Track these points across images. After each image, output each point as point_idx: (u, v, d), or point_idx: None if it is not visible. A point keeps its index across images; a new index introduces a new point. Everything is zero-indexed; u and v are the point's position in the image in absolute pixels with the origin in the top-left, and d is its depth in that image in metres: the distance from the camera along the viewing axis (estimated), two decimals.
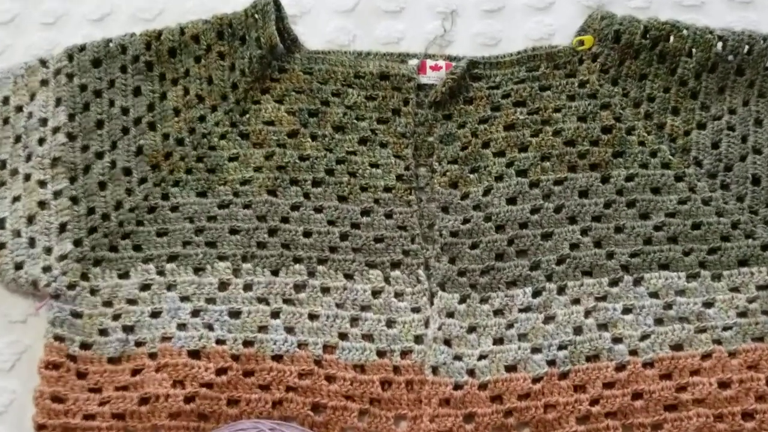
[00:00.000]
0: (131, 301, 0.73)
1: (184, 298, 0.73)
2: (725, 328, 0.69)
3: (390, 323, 0.72)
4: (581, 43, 0.79)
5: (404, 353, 0.71)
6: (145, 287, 0.74)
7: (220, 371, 0.70)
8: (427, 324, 0.72)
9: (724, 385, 0.67)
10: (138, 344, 0.71)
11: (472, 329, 0.71)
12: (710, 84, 0.76)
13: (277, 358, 0.71)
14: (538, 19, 0.86)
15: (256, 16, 0.78)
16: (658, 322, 0.70)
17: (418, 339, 0.71)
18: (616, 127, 0.76)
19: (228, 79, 0.79)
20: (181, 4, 0.88)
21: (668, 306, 0.71)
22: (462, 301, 0.72)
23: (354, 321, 0.72)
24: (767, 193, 0.74)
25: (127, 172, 0.77)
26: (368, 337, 0.72)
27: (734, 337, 0.69)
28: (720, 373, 0.67)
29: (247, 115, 0.79)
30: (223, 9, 0.82)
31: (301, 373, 0.70)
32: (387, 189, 0.76)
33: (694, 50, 0.76)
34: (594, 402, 0.67)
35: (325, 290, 0.73)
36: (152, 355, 0.71)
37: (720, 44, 0.75)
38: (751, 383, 0.67)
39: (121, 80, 0.79)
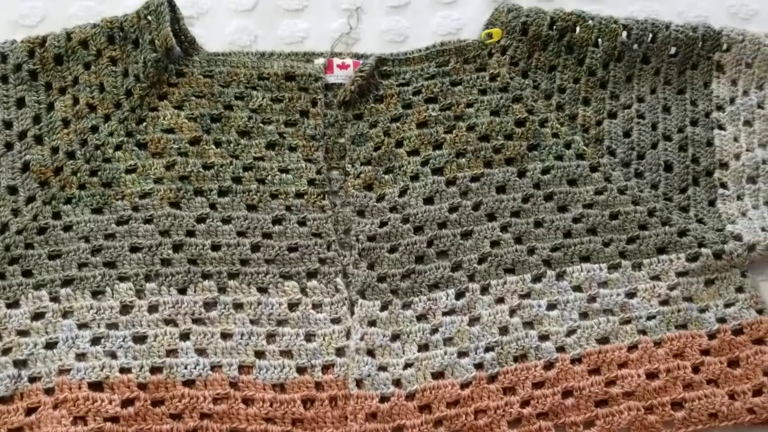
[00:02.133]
0: (22, 333, 0.67)
1: (82, 325, 0.67)
2: (649, 318, 0.69)
3: (309, 337, 0.68)
4: (489, 36, 0.77)
5: (326, 367, 0.67)
6: (37, 316, 0.67)
7: (126, 402, 0.64)
8: (348, 335, 0.68)
9: (652, 375, 0.67)
10: (32, 380, 0.65)
11: (395, 337, 0.68)
12: (618, 73, 0.76)
13: (189, 383, 0.65)
14: (445, 13, 0.84)
15: (150, 17, 0.73)
16: (583, 315, 0.69)
17: (340, 351, 0.68)
18: (529, 119, 0.75)
19: (121, 85, 0.73)
20: (64, 8, 0.82)
21: (592, 299, 0.69)
22: (384, 308, 0.69)
23: (271, 337, 0.68)
24: (680, 179, 0.74)
25: (13, 191, 0.70)
26: (287, 353, 0.67)
27: (658, 326, 0.68)
28: (647, 363, 0.67)
29: (144, 123, 0.73)
30: (110, 12, 0.76)
31: (216, 398, 0.65)
32: (299, 195, 0.72)
33: (600, 40, 0.75)
34: (525, 403, 0.66)
35: (238, 306, 0.69)
36: (48, 391, 0.64)
37: (625, 33, 0.75)
38: (678, 372, 0.66)
39: (1, 91, 0.72)
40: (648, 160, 0.74)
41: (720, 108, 0.77)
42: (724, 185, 0.74)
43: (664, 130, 0.76)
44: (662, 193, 0.73)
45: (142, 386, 0.65)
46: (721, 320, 0.69)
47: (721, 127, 0.76)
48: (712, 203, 0.73)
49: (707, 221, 0.72)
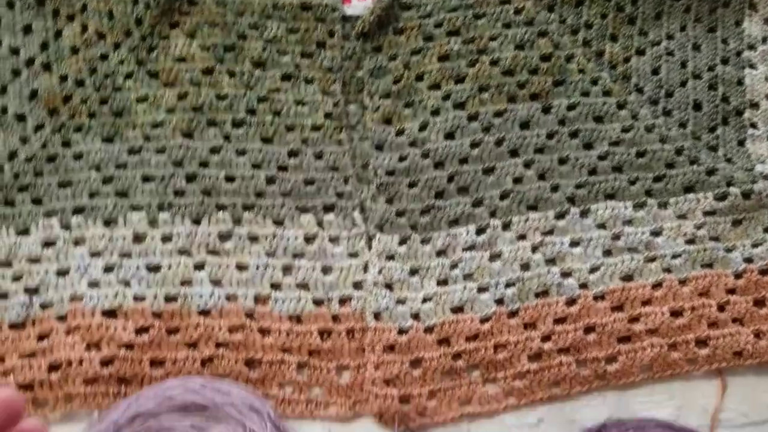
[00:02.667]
0: (33, 260, 0.65)
1: (95, 254, 0.65)
2: (674, 256, 0.67)
3: (326, 270, 0.66)
4: None
5: (343, 301, 0.66)
6: (48, 244, 0.66)
7: (141, 330, 0.63)
8: (365, 269, 0.66)
9: (676, 313, 0.65)
10: (44, 307, 0.64)
11: (414, 272, 0.67)
12: (647, 9, 0.74)
13: (204, 313, 0.64)
14: None
15: None
16: (607, 253, 0.67)
17: (357, 285, 0.66)
18: (555, 54, 0.72)
19: (131, 13, 0.71)
20: None
21: (616, 237, 0.68)
22: (402, 242, 0.67)
23: (287, 270, 0.66)
24: (709, 118, 0.72)
25: (21, 118, 0.68)
26: (303, 285, 0.66)
27: (684, 265, 0.67)
28: (672, 301, 0.65)
29: (155, 52, 0.71)
30: None
31: (232, 328, 0.64)
32: (315, 128, 0.70)
33: None
34: (545, 338, 0.64)
35: (254, 239, 0.67)
36: (61, 318, 0.63)
37: None
38: (703, 310, 0.65)
39: (8, 17, 0.70)
40: (676, 98, 0.72)
41: (752, 47, 0.74)
42: (754, 125, 0.72)
43: (694, 69, 0.73)
44: (690, 132, 0.71)
45: (157, 315, 0.64)
46: (748, 260, 0.67)
47: (752, 66, 0.74)
48: (741, 143, 0.71)
49: (736, 161, 0.70)
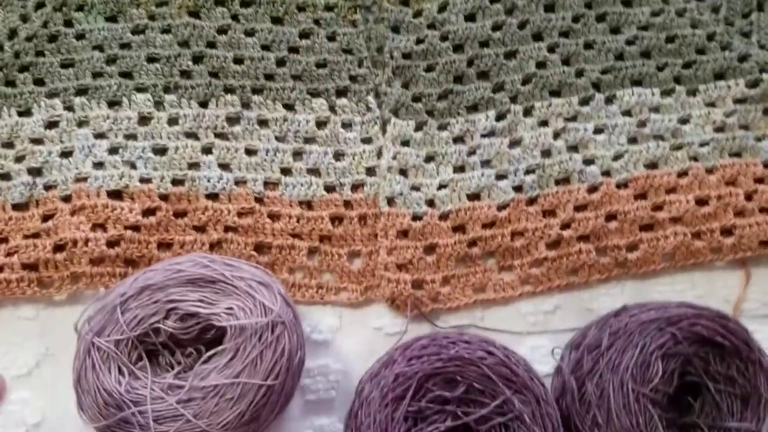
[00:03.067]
0: (36, 141, 0.63)
1: (99, 135, 0.63)
2: (702, 144, 0.64)
3: (338, 155, 0.64)
4: None
5: (355, 187, 0.63)
6: (51, 125, 0.63)
7: (148, 212, 0.61)
8: (379, 154, 0.64)
9: (701, 202, 0.63)
10: (47, 187, 0.62)
11: (429, 158, 0.64)
12: None
13: (213, 196, 0.62)
14: None
15: None
16: (632, 140, 0.65)
17: (371, 171, 0.64)
18: None
19: None
20: None
21: (642, 124, 0.65)
22: (418, 128, 0.65)
23: (297, 155, 0.64)
24: (743, 3, 0.68)
25: None
26: (314, 171, 0.64)
27: (711, 153, 0.64)
28: (697, 190, 0.63)
29: None
30: None
31: (241, 212, 0.62)
32: (328, 8, 0.67)
33: None
34: (565, 226, 0.62)
35: (263, 122, 0.65)
36: (66, 198, 0.61)
37: None
38: (729, 199, 0.62)
39: None
40: None
41: None
42: None
43: None
44: (723, 17, 0.67)
45: (164, 197, 0.62)
46: None
47: None
48: None
49: None
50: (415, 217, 0.62)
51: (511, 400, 0.50)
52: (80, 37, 0.65)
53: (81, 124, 0.64)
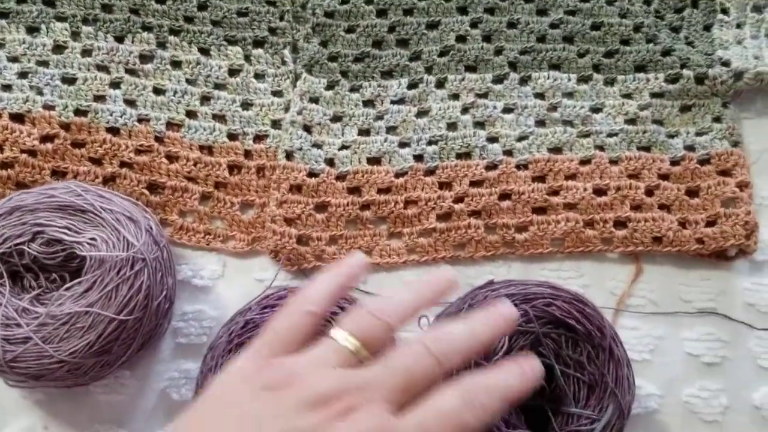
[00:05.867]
0: None
1: (13, 59, 0.64)
2: (610, 135, 0.63)
3: (246, 105, 0.64)
4: None
5: (258, 138, 0.63)
6: None
7: (46, 138, 0.61)
8: (287, 109, 0.64)
9: (600, 192, 0.62)
10: None
11: (337, 118, 0.64)
12: None
13: (114, 131, 0.62)
14: None
15: None
16: (540, 123, 0.64)
17: (276, 124, 0.64)
18: None
19: None
20: None
21: (553, 108, 0.64)
22: (330, 87, 0.64)
23: (205, 99, 0.64)
24: None
25: None
26: (220, 117, 0.64)
27: (619, 144, 0.63)
28: (597, 179, 0.62)
29: None
30: None
31: (139, 149, 0.62)
32: None
33: None
34: (458, 200, 0.62)
35: (176, 64, 0.65)
36: None
37: None
38: (628, 191, 0.61)
39: None
40: None
41: None
42: (725, 11, 0.66)
43: None
44: (654, 10, 0.66)
45: (65, 126, 0.62)
46: (689, 148, 0.63)
47: None
48: (707, 28, 0.66)
49: (697, 44, 0.65)
50: (311, 174, 0.62)
51: None
52: None
53: None
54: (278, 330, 0.38)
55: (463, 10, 0.66)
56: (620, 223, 0.61)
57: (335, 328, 0.38)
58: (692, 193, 0.62)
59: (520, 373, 0.37)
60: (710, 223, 0.61)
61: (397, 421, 0.34)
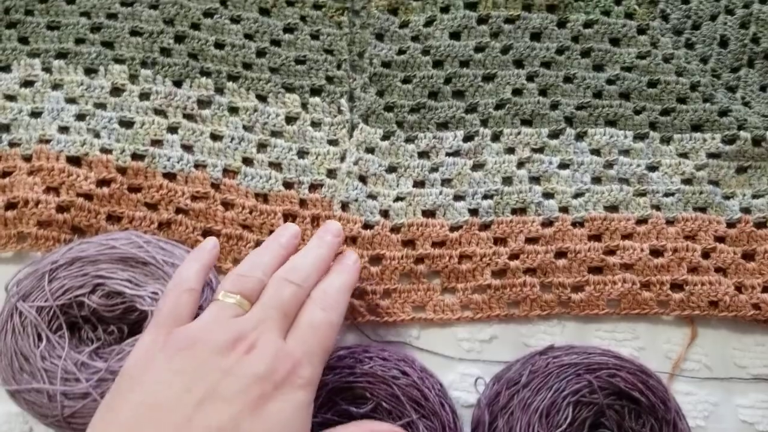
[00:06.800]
0: (9, 97, 0.64)
1: (70, 100, 0.64)
2: (667, 194, 0.63)
3: (302, 153, 0.64)
4: None
5: (314, 186, 0.63)
6: (27, 83, 0.64)
7: (102, 182, 0.61)
8: (343, 159, 0.64)
9: (656, 252, 0.62)
10: (12, 144, 0.63)
11: (392, 169, 0.64)
12: None
13: (170, 176, 0.62)
14: None
15: None
16: (596, 180, 0.64)
17: (332, 173, 0.64)
18: None
19: None
20: None
21: (609, 165, 0.64)
22: (385, 137, 0.64)
23: (262, 146, 0.64)
24: (734, 57, 0.66)
25: None
26: (276, 165, 0.64)
27: (675, 204, 0.63)
28: (654, 239, 0.62)
29: None
30: None
31: (195, 196, 0.62)
32: (317, 6, 0.67)
33: None
34: (514, 256, 0.61)
35: (233, 110, 0.65)
36: (26, 158, 0.62)
37: None
38: (685, 253, 0.61)
39: None
40: (703, 31, 0.67)
41: None
42: None
43: (728, 3, 0.68)
44: (711, 69, 0.66)
45: (122, 170, 0.62)
46: (745, 210, 0.63)
47: None
48: (763, 89, 0.66)
49: (754, 105, 0.65)
50: (367, 226, 0.62)
51: (416, 424, 0.49)
52: (70, 1, 0.66)
53: (55, 86, 0.64)
54: (169, 309, 0.46)
55: (519, 63, 0.66)
56: (677, 286, 0.61)
57: (219, 291, 0.47)
58: (748, 256, 0.62)
59: (348, 267, 0.51)
60: (766, 289, 0.60)
61: (285, 342, 0.44)
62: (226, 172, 0.63)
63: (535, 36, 0.67)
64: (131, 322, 0.54)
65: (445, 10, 0.67)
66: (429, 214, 0.63)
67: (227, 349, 0.42)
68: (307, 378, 0.43)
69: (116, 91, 0.64)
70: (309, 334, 0.45)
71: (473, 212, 0.63)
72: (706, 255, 0.62)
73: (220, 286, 0.48)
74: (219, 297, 0.47)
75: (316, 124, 0.65)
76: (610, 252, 0.62)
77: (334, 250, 0.52)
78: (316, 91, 0.66)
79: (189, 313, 0.46)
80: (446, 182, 0.64)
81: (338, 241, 0.52)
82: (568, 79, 0.66)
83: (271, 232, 0.62)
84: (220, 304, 0.46)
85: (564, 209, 0.63)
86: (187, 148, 0.63)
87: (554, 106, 0.65)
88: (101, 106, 0.64)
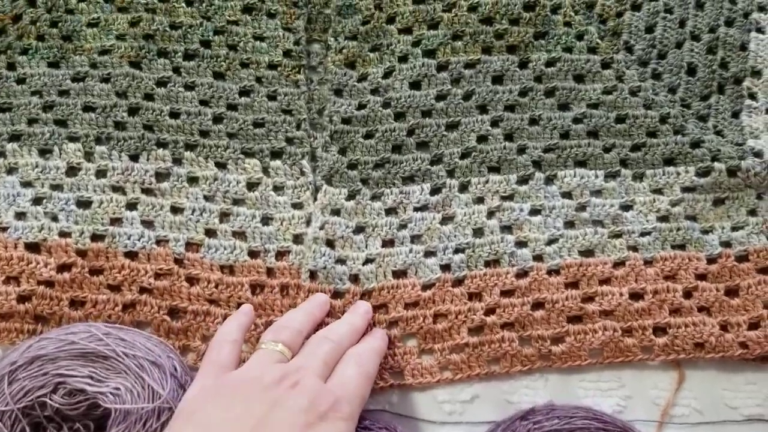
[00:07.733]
0: None
1: (26, 184, 0.62)
2: (643, 234, 0.61)
3: (266, 220, 0.62)
4: None
5: (281, 254, 0.62)
6: None
7: (63, 267, 0.60)
8: (308, 222, 0.62)
9: (636, 296, 0.60)
10: None
11: (359, 229, 0.62)
12: None
13: (132, 255, 0.61)
14: None
15: None
16: (569, 225, 0.62)
17: (298, 238, 0.62)
18: (540, 3, 0.66)
19: None
20: None
21: (582, 207, 0.62)
22: (350, 197, 0.63)
23: (224, 216, 0.62)
24: (703, 84, 0.65)
25: None
26: (240, 234, 0.62)
27: (652, 244, 0.61)
28: (633, 282, 0.60)
29: None
30: None
31: (159, 273, 0.60)
32: (272, 66, 0.65)
33: None
34: (490, 311, 0.60)
35: (193, 180, 0.63)
36: None
37: None
38: (666, 294, 0.59)
39: None
40: (669, 60, 0.65)
41: (762, 9, 0.66)
42: (752, 96, 0.64)
43: (693, 29, 0.66)
44: (680, 99, 0.64)
45: (82, 253, 0.60)
46: (726, 244, 0.61)
47: (759, 30, 0.66)
48: (735, 115, 0.64)
49: (727, 134, 0.63)
50: (337, 294, 0.60)
51: None
52: (21, 81, 0.65)
53: (10, 171, 0.63)
54: (214, 358, 0.50)
55: (482, 109, 0.65)
56: (660, 329, 0.59)
57: (263, 341, 0.51)
58: (732, 292, 0.60)
59: (379, 335, 0.56)
60: (753, 325, 0.59)
61: (325, 384, 0.48)
62: (189, 245, 0.62)
63: (497, 79, 0.65)
64: (96, 417, 0.52)
65: (403, 59, 0.66)
66: (400, 274, 0.61)
67: (274, 384, 0.46)
68: (348, 413, 0.47)
69: (72, 170, 0.63)
70: (347, 381, 0.49)
71: (445, 268, 0.61)
72: (687, 294, 0.60)
73: (263, 337, 0.52)
74: (263, 346, 0.51)
75: (278, 188, 0.63)
76: (589, 299, 0.60)
77: (365, 322, 0.56)
78: (276, 154, 0.64)
79: (233, 361, 0.50)
80: (416, 239, 0.62)
81: (368, 318, 0.57)
82: (533, 122, 0.64)
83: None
84: (265, 351, 0.50)
85: (538, 257, 0.61)
86: (148, 223, 0.62)
87: (521, 151, 0.64)
88: (57, 187, 0.62)
